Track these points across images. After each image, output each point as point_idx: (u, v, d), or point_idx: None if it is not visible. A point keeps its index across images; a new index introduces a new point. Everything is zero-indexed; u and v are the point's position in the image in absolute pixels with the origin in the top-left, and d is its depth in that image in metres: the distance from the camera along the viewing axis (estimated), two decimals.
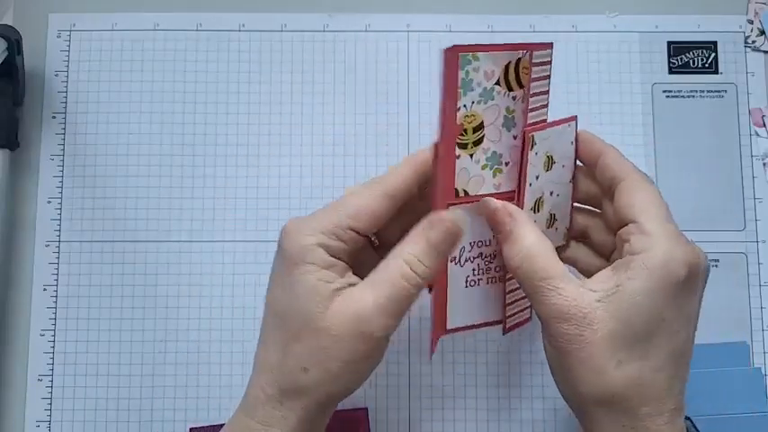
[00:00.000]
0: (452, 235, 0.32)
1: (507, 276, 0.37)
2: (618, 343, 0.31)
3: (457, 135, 0.33)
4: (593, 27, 0.49)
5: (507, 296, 0.38)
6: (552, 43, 0.35)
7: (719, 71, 0.49)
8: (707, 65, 0.49)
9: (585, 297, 0.31)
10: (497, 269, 0.37)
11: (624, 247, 0.33)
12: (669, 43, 0.49)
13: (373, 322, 0.31)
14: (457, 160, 0.34)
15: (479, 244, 0.36)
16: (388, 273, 0.32)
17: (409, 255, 0.32)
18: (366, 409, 0.45)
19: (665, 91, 0.49)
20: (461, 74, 0.32)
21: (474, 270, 0.36)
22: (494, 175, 0.35)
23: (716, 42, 0.49)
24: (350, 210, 0.33)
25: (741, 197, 0.48)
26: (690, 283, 0.32)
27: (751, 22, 0.49)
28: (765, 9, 0.49)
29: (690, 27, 0.49)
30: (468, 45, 0.32)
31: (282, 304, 0.33)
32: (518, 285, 0.37)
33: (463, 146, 0.34)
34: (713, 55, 0.49)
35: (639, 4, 0.49)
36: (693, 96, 0.48)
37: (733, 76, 0.49)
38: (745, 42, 0.49)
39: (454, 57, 0.32)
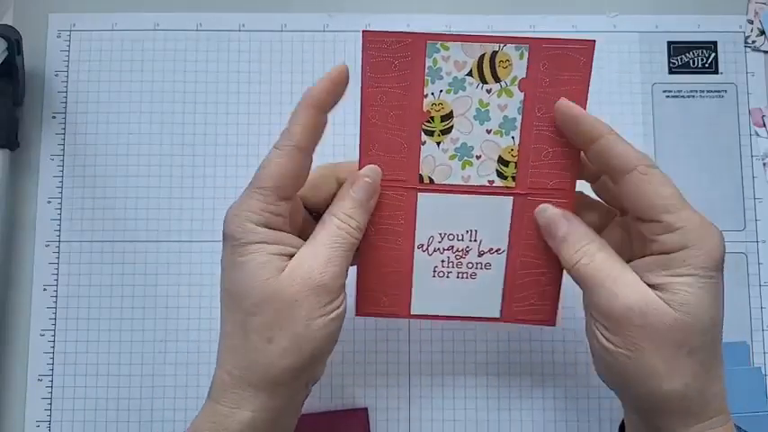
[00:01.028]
0: (371, 188, 0.36)
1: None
2: (686, 332, 0.31)
3: (423, 121, 0.35)
4: (594, 27, 0.49)
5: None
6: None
7: (719, 71, 0.49)
8: (707, 65, 0.49)
9: (648, 291, 0.32)
10: (470, 265, 0.37)
11: (653, 245, 0.33)
12: (669, 43, 0.49)
13: (323, 272, 0.33)
14: (422, 146, 0.36)
15: (450, 237, 0.37)
16: (325, 229, 0.34)
17: (338, 211, 0.35)
18: (366, 409, 0.45)
19: (665, 91, 0.49)
20: (429, 62, 0.34)
21: (443, 261, 0.37)
22: (462, 167, 0.36)
23: (716, 42, 0.49)
24: (269, 180, 0.33)
25: (741, 197, 0.48)
26: (721, 267, 0.33)
27: (751, 22, 0.49)
28: (765, 9, 0.49)
29: (690, 27, 0.49)
30: (438, 34, 0.34)
31: (236, 285, 0.33)
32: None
33: (429, 133, 0.36)
34: (713, 55, 0.49)
35: (639, 4, 0.49)
36: (693, 96, 0.48)
37: (733, 76, 0.49)
38: (745, 42, 0.49)
39: (421, 44, 0.34)
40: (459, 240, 0.37)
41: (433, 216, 0.37)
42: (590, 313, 0.34)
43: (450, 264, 0.37)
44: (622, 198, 0.34)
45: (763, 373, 0.45)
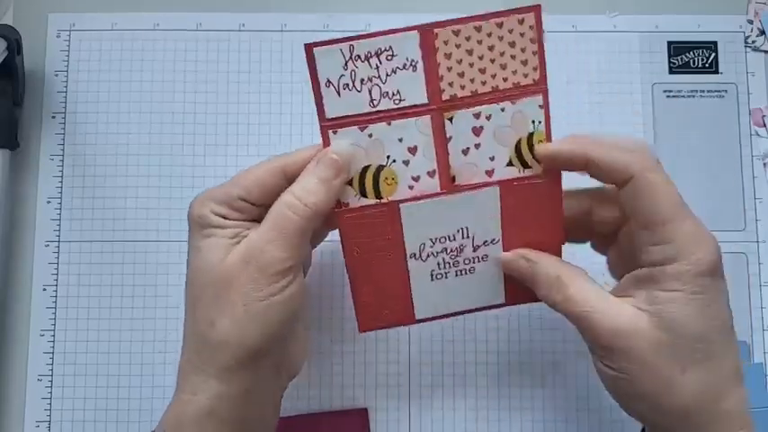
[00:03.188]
0: (337, 165, 0.34)
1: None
2: (674, 350, 0.31)
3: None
4: (593, 27, 0.49)
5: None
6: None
7: (720, 71, 0.49)
8: (707, 65, 0.49)
9: (631, 311, 0.32)
10: (466, 261, 0.37)
11: (642, 257, 0.32)
12: (669, 43, 0.49)
13: (265, 254, 0.32)
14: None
15: (442, 240, 0.36)
16: (274, 209, 0.33)
17: (295, 188, 0.33)
18: (366, 409, 0.45)
19: (665, 91, 0.49)
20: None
21: (439, 264, 0.37)
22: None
23: (716, 42, 0.49)
24: (243, 182, 0.34)
25: (741, 197, 0.48)
26: (716, 274, 0.32)
27: (751, 22, 0.49)
28: (765, 9, 0.49)
29: (690, 27, 0.49)
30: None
31: (190, 269, 0.34)
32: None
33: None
34: (713, 55, 0.49)
35: (639, 4, 0.49)
36: (693, 96, 0.48)
37: (733, 76, 0.49)
38: (746, 42, 0.49)
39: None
40: (451, 241, 0.36)
41: (419, 224, 0.36)
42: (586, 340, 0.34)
43: (447, 265, 0.37)
44: (623, 205, 0.33)
45: (764, 372, 0.45)
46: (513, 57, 0.34)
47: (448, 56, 0.33)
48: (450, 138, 0.34)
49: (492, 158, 0.35)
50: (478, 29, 0.33)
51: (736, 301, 0.46)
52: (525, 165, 0.35)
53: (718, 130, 0.48)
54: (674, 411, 0.31)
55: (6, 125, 0.46)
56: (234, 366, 0.32)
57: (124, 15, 0.49)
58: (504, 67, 0.34)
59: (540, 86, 0.35)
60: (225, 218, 0.33)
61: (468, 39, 0.33)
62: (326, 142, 0.34)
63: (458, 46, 0.33)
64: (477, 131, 0.34)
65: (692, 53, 0.49)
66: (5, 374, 0.45)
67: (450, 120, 0.34)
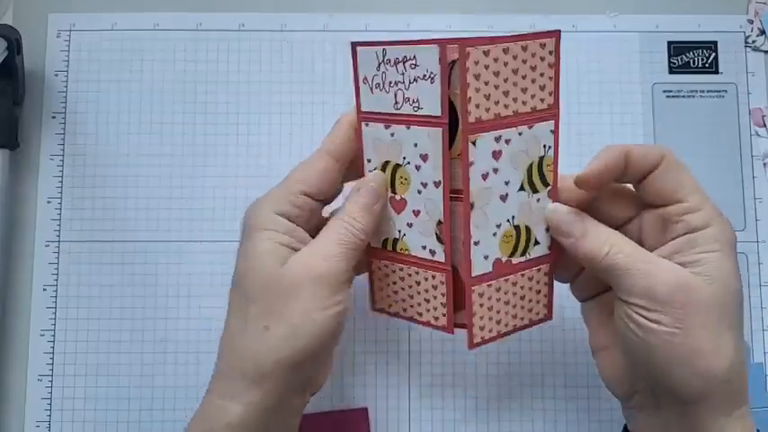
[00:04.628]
0: (375, 192, 0.36)
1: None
2: (726, 305, 0.32)
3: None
4: (593, 27, 0.49)
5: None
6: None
7: (720, 71, 0.49)
8: (707, 65, 0.49)
9: (685, 270, 0.33)
10: None
11: (678, 226, 0.34)
12: (669, 43, 0.49)
13: (325, 265, 0.34)
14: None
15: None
16: (330, 227, 0.35)
17: (344, 213, 0.36)
18: (366, 409, 0.45)
19: (665, 91, 0.49)
20: None
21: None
22: None
23: (716, 42, 0.49)
24: (299, 176, 0.36)
25: (741, 197, 0.48)
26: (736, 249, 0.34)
27: (751, 22, 0.49)
28: (765, 9, 0.49)
29: (690, 27, 0.49)
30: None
31: (242, 272, 0.34)
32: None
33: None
34: (713, 55, 0.49)
35: (639, 4, 0.49)
36: (693, 96, 0.48)
37: (733, 76, 0.49)
38: (746, 42, 0.49)
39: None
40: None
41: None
42: (624, 300, 0.33)
43: None
44: (648, 190, 0.35)
45: (765, 372, 0.45)
46: (533, 81, 0.34)
47: (477, 77, 0.32)
48: (473, 163, 0.33)
49: (507, 183, 0.35)
50: (506, 51, 0.33)
51: None
52: (534, 189, 0.35)
53: (718, 130, 0.48)
54: (720, 372, 0.32)
55: (6, 125, 0.46)
56: (277, 374, 0.33)
57: (124, 15, 0.49)
58: (524, 90, 0.34)
59: (553, 111, 0.35)
60: (286, 217, 0.35)
61: (495, 60, 0.32)
62: (360, 132, 0.37)
63: (486, 67, 0.32)
64: (496, 155, 0.34)
65: (692, 53, 0.49)
66: (5, 374, 0.45)
67: (474, 143, 0.33)
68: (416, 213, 0.36)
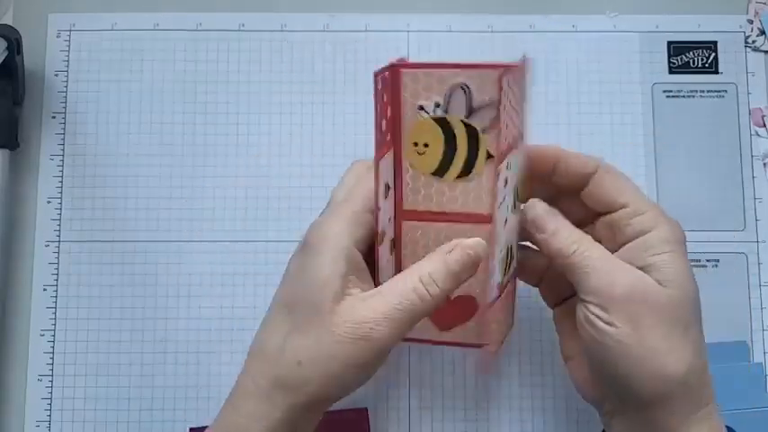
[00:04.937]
0: (471, 261, 0.33)
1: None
2: (681, 307, 0.33)
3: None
4: (593, 27, 0.49)
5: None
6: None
7: (719, 71, 0.49)
8: (707, 65, 0.49)
9: (642, 273, 0.33)
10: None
11: (627, 230, 0.34)
12: (669, 43, 0.49)
13: (378, 330, 0.31)
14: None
15: None
16: (401, 285, 0.32)
17: (425, 273, 0.32)
18: (366, 409, 0.45)
19: (665, 91, 0.49)
20: None
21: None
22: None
23: (716, 42, 0.49)
24: (363, 192, 0.34)
25: (741, 197, 0.48)
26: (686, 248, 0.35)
27: (751, 22, 0.49)
28: (765, 9, 0.49)
29: (690, 27, 0.49)
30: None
31: (293, 295, 0.33)
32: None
33: None
34: (713, 55, 0.49)
35: (639, 4, 0.49)
36: (693, 96, 0.48)
37: (733, 76, 0.49)
38: (746, 42, 0.49)
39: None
40: None
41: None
42: (584, 300, 0.34)
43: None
44: (591, 199, 0.36)
45: (765, 372, 0.45)
46: (518, 103, 0.34)
47: (509, 100, 0.32)
48: (498, 191, 0.32)
49: (507, 207, 0.35)
50: (516, 73, 0.33)
51: (737, 301, 0.46)
52: (514, 207, 0.36)
53: (718, 130, 0.48)
54: (676, 373, 0.32)
55: (6, 125, 0.46)
56: (305, 408, 0.32)
57: (124, 15, 0.49)
58: (517, 113, 0.34)
59: (521, 132, 0.36)
60: (353, 238, 0.33)
61: (509, 84, 0.32)
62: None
63: (510, 88, 0.32)
64: (506, 182, 0.34)
65: (691, 53, 0.49)
66: (5, 374, 0.45)
67: (498, 174, 0.32)
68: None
